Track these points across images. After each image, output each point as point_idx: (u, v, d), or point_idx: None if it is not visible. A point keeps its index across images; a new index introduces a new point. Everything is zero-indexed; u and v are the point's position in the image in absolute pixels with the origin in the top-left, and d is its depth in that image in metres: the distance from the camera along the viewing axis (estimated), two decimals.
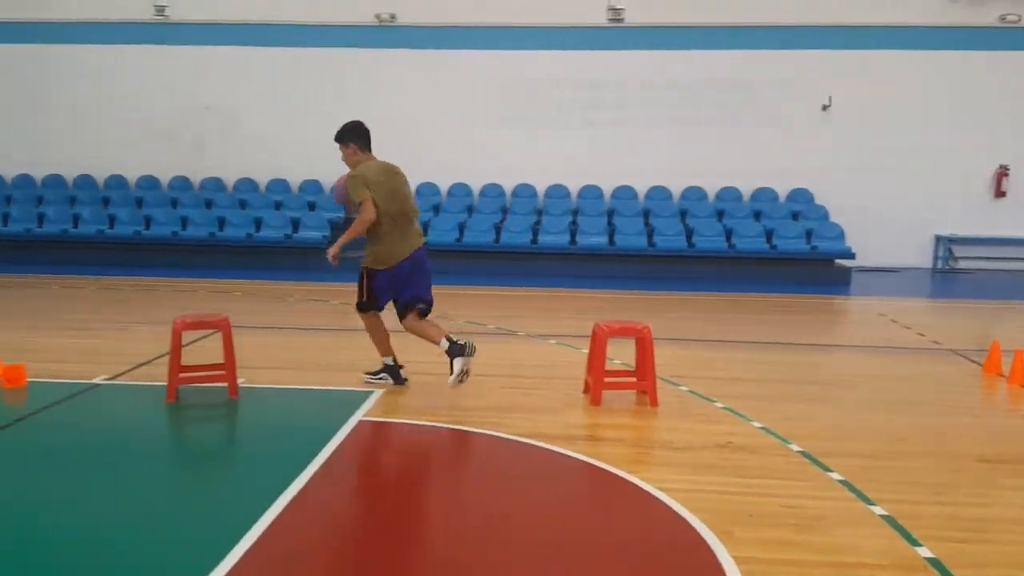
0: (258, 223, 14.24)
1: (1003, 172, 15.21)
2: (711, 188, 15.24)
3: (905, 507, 4.05)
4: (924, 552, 3.57)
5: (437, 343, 5.79)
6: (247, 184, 15.59)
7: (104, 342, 6.78)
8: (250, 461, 4.90)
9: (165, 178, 15.78)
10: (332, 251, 5.92)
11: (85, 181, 15.77)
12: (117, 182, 15.75)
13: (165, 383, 5.79)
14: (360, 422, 5.37)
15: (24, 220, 14.33)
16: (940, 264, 15.29)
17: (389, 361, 6.22)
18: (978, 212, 15.13)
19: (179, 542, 3.64)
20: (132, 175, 15.81)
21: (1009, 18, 14.84)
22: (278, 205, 14.94)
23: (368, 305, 6.03)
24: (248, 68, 15.43)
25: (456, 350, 5.67)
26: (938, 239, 15.27)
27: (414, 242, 5.94)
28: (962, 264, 15.25)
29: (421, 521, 3.95)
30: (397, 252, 5.84)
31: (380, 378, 6.25)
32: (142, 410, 5.66)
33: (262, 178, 15.63)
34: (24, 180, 15.76)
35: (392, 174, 5.91)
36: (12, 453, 4.89)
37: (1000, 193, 15.22)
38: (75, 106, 15.71)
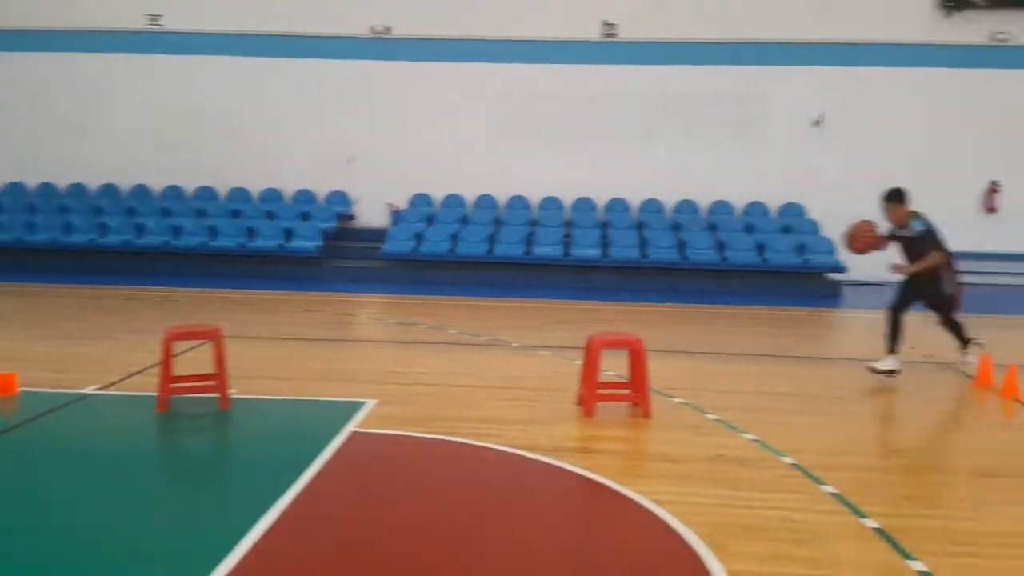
0: (251, 232, 14.22)
1: (994, 188, 15.34)
2: (704, 202, 15.31)
3: (897, 520, 4.06)
4: (916, 566, 3.58)
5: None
6: (240, 194, 15.58)
7: (95, 351, 6.75)
8: (241, 472, 4.87)
9: (158, 188, 15.76)
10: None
11: (77, 190, 15.74)
12: (109, 191, 15.72)
13: (156, 393, 5.77)
14: (353, 432, 5.35)
15: (14, 229, 14.26)
16: None
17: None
18: (969, 228, 15.17)
19: (169, 554, 3.61)
20: (125, 184, 15.78)
21: (1000, 36, 14.98)
22: (271, 215, 14.93)
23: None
24: (242, 78, 15.44)
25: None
26: None
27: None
28: None
29: (409, 532, 3.93)
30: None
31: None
32: (133, 421, 5.62)
33: (255, 188, 15.62)
34: (16, 188, 15.71)
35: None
36: (1, 465, 4.83)
37: (991, 209, 15.34)
38: (67, 115, 15.68)
